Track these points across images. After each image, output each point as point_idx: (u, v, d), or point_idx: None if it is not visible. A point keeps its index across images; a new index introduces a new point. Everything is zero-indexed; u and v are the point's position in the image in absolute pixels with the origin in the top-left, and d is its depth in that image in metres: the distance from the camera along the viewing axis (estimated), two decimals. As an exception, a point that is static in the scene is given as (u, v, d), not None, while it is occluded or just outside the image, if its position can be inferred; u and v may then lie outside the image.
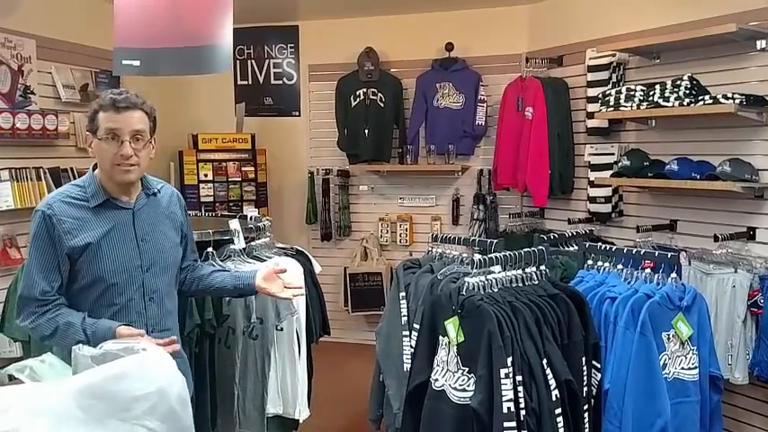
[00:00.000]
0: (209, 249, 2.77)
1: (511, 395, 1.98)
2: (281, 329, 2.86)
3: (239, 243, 2.88)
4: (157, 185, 2.21)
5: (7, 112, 3.86)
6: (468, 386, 2.06)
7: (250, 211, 3.40)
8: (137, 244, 2.05)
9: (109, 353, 1.32)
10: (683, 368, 2.34)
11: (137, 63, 3.09)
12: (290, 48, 5.73)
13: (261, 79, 5.83)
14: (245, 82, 5.86)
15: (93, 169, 2.08)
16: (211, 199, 5.32)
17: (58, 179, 4.22)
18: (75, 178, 4.34)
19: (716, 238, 3.24)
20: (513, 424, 1.97)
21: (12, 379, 1.41)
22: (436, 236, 2.83)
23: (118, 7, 3.09)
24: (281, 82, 5.80)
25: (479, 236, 4.86)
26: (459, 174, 5.21)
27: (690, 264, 3.27)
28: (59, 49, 4.38)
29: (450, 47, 5.09)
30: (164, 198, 2.20)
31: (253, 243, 3.02)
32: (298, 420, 3.03)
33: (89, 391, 1.20)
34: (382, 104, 5.24)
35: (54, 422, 1.17)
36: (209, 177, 5.37)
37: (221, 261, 2.79)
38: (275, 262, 2.94)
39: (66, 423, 1.17)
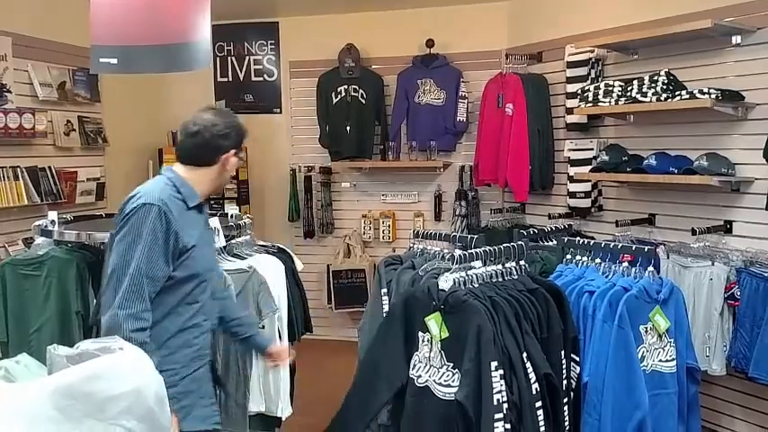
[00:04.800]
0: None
1: (501, 387, 1.99)
2: (263, 327, 2.85)
3: (220, 241, 2.88)
4: None
5: (-17, 111, 3.82)
6: (453, 381, 2.06)
7: (231, 209, 3.39)
8: (210, 243, 2.24)
9: (85, 352, 1.31)
10: (660, 360, 2.37)
11: (114, 61, 3.05)
12: (271, 44, 5.71)
13: (241, 76, 5.80)
14: (226, 79, 5.82)
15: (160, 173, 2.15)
16: (192, 197, 5.28)
17: (36, 178, 4.17)
18: (53, 177, 4.30)
19: (693, 232, 3.28)
20: (502, 415, 1.98)
21: (-14, 381, 1.40)
22: (418, 232, 2.84)
23: (94, 4, 3.05)
24: (261, 79, 5.77)
25: (462, 231, 4.88)
26: (441, 170, 5.22)
27: (668, 257, 3.32)
28: (36, 47, 4.32)
29: (430, 43, 5.10)
30: None
31: (233, 241, 3.02)
32: (280, 418, 3.03)
33: (64, 392, 1.20)
34: (364, 101, 5.24)
35: (29, 422, 1.16)
36: (190, 175, 5.33)
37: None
38: (256, 260, 2.94)
39: (42, 423, 1.17)
